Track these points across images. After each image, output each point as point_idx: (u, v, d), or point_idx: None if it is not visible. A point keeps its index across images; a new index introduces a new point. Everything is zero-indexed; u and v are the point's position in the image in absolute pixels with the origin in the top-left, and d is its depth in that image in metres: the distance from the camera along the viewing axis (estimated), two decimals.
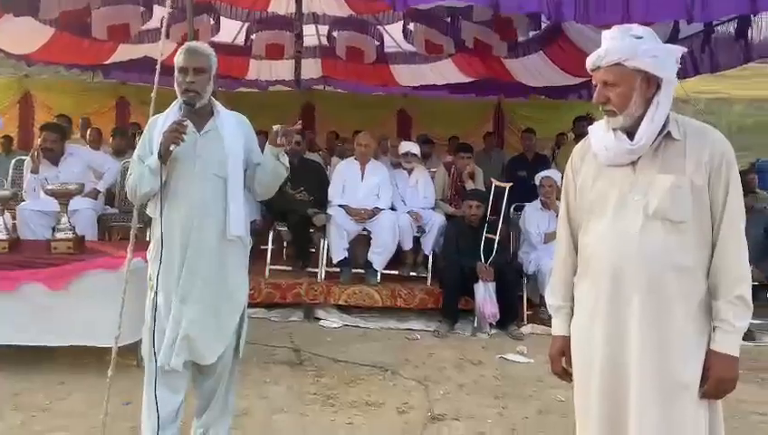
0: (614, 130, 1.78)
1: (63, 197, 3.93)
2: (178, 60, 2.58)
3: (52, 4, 6.38)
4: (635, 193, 1.75)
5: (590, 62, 1.80)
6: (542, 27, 7.05)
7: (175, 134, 2.45)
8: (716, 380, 1.69)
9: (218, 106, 2.70)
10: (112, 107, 9.83)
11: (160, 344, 2.57)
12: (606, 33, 1.79)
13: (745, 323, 1.71)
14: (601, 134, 1.83)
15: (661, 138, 1.76)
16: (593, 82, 1.82)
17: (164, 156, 2.47)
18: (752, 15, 5.25)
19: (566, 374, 1.97)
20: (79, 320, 3.64)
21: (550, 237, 5.28)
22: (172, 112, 2.61)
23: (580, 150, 1.94)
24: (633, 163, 1.78)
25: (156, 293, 2.59)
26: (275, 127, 2.63)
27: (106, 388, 2.82)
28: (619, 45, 1.74)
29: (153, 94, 3.18)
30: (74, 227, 3.98)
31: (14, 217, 4.66)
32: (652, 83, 1.75)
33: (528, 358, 4.43)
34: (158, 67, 3.29)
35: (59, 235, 3.86)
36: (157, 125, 2.61)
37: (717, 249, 1.72)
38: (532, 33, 7.34)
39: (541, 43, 7.61)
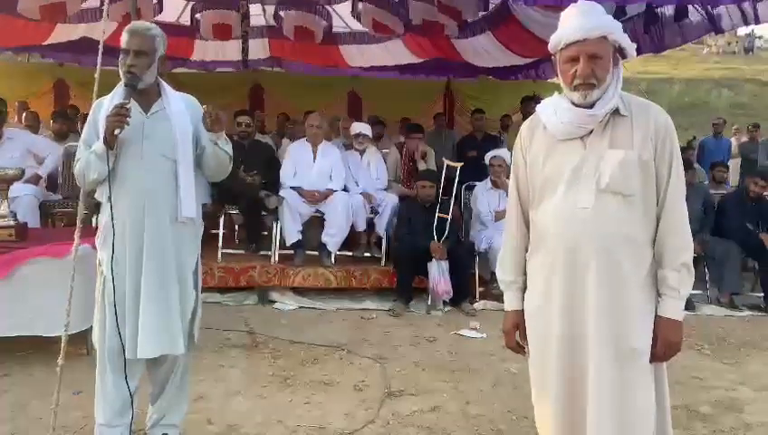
0: (576, 105, 1.81)
1: (3, 182, 3.76)
2: (122, 40, 2.52)
3: None
4: (587, 168, 1.80)
5: (576, 33, 1.76)
6: (490, 8, 7.12)
7: (118, 117, 2.39)
8: (665, 343, 1.79)
9: (166, 87, 2.63)
10: (50, 89, 9.41)
11: (113, 331, 2.52)
12: (575, 9, 1.81)
13: (689, 290, 1.81)
14: (554, 110, 1.86)
15: (609, 114, 1.81)
16: (563, 57, 1.80)
17: (109, 140, 2.41)
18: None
19: (520, 348, 2.02)
20: (23, 310, 3.51)
21: (500, 216, 5.38)
22: (117, 94, 2.53)
23: (528, 128, 1.97)
24: (583, 140, 1.83)
25: (106, 279, 2.54)
26: (204, 108, 2.58)
27: (54, 377, 2.74)
28: (603, 19, 1.78)
29: (96, 76, 3.06)
30: (15, 214, 3.83)
31: None
32: (615, 58, 1.82)
33: (481, 333, 4.53)
34: (100, 48, 3.19)
35: None
36: (102, 107, 2.53)
37: (663, 220, 1.80)
38: (480, 14, 7.40)
39: (489, 23, 7.70)
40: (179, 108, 2.60)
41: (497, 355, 4.06)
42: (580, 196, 1.79)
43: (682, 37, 6.69)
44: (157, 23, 6.90)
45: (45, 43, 8.18)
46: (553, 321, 1.84)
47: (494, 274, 5.34)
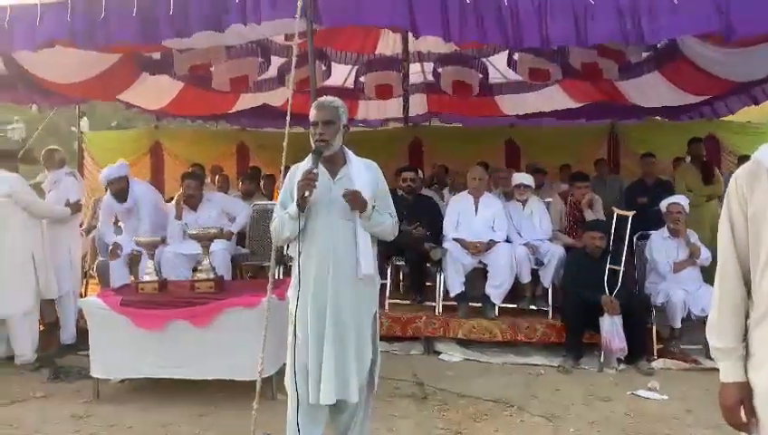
0: None
1: (205, 240, 4.25)
2: (311, 114, 2.82)
3: (184, 61, 6.99)
4: None
5: None
6: (657, 47, 6.85)
7: (306, 183, 2.64)
8: None
9: (350, 154, 2.88)
10: (234, 152, 10.36)
11: (300, 378, 2.71)
12: None
13: None
14: None
15: None
16: None
17: (300, 204, 2.67)
18: None
19: (743, 424, 1.79)
20: (220, 355, 3.89)
21: (680, 267, 5.06)
22: (309, 162, 2.80)
23: (748, 177, 1.76)
24: None
25: (295, 328, 2.76)
26: (342, 193, 2.75)
27: (244, 418, 3.00)
28: None
29: (284, 144, 3.43)
30: (215, 268, 4.28)
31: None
32: None
33: (661, 394, 4.21)
34: (287, 118, 3.56)
35: (201, 275, 4.16)
36: (296, 173, 2.82)
37: None
38: (645, 54, 7.14)
39: (655, 62, 7.38)
40: (361, 173, 2.82)
41: (681, 419, 3.78)
42: None
43: None
44: (325, 88, 7.57)
45: (232, 111, 9.20)
46: None
47: (673, 330, 4.98)
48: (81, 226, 6.32)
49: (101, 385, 4.18)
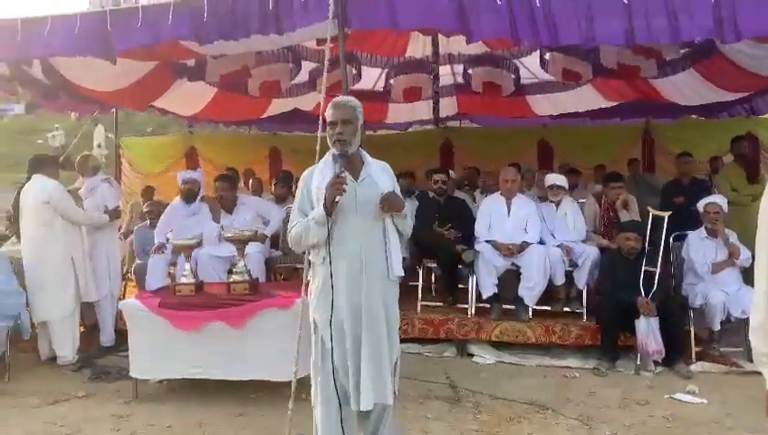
0: None
1: (240, 242, 4.32)
2: (327, 114, 2.81)
3: (216, 68, 7.11)
4: None
5: None
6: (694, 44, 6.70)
7: (336, 187, 2.64)
8: None
9: (366, 155, 2.89)
10: (266, 157, 10.49)
11: (332, 387, 2.73)
12: None
13: None
14: None
15: None
16: None
17: (329, 208, 2.67)
18: None
19: None
20: (256, 355, 3.95)
21: (718, 268, 4.96)
22: (327, 164, 2.81)
23: None
24: None
25: (323, 339, 2.76)
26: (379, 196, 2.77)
27: (281, 419, 3.04)
28: None
29: (317, 147, 3.45)
30: (250, 270, 4.34)
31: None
32: None
33: (701, 398, 4.12)
34: (320, 122, 3.58)
35: (236, 277, 4.23)
36: (312, 177, 2.83)
37: None
38: (682, 51, 7.00)
39: (691, 59, 7.22)
40: (380, 174, 2.84)
41: (722, 423, 3.70)
42: None
43: None
44: (355, 91, 7.61)
45: (263, 116, 9.31)
46: None
47: (712, 332, 4.87)
48: (119, 229, 6.47)
49: (141, 385, 4.28)
